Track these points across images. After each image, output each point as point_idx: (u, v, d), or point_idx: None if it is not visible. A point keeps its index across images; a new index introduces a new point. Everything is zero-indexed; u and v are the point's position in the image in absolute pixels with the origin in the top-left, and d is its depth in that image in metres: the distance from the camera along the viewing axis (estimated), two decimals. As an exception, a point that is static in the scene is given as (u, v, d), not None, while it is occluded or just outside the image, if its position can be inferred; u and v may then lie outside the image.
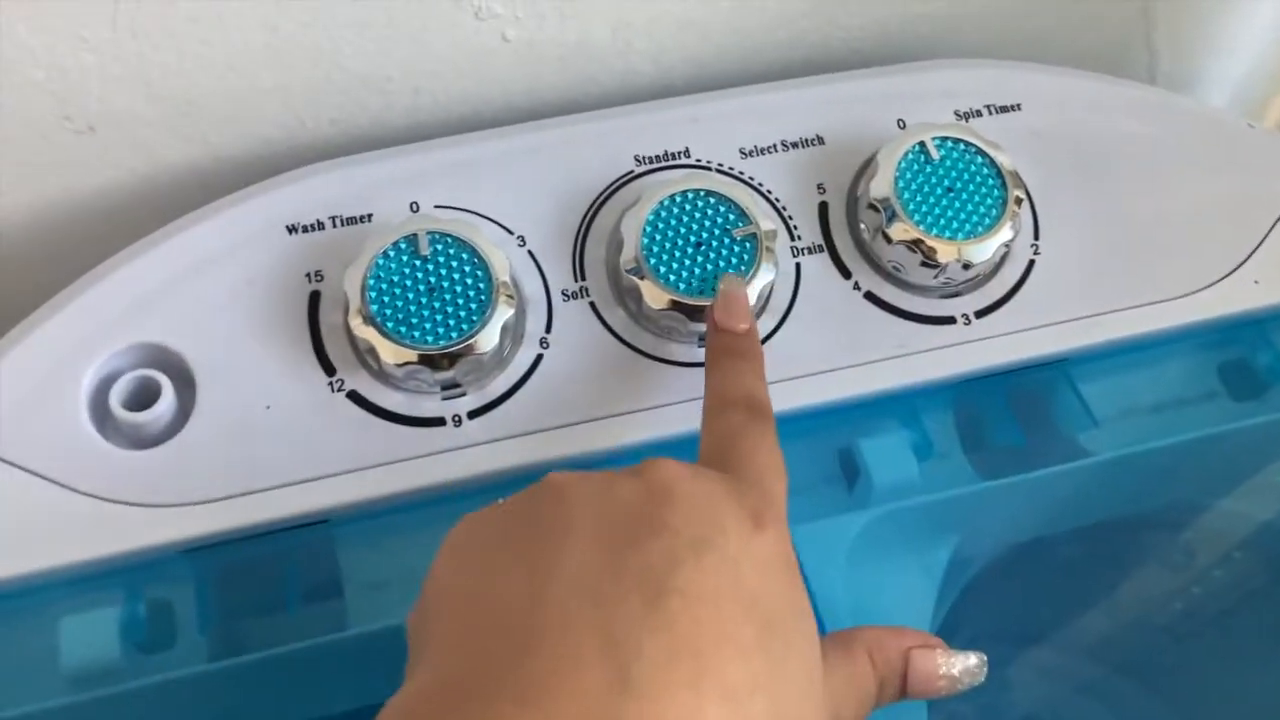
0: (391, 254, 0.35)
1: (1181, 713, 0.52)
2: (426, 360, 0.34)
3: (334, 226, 0.37)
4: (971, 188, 0.38)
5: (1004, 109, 0.42)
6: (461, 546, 0.26)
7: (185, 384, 0.35)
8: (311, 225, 0.37)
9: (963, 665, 0.30)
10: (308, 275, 0.37)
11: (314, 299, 0.36)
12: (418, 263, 0.35)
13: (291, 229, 0.37)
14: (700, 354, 0.37)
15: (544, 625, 0.22)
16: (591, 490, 0.26)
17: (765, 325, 0.38)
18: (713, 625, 0.23)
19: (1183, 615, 0.53)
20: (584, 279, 0.38)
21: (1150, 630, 0.53)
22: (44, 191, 0.40)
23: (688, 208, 0.37)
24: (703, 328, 0.36)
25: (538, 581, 0.24)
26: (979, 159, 0.39)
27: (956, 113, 0.42)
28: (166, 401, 0.34)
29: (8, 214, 0.41)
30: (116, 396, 0.34)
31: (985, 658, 0.31)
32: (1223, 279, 0.41)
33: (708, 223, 0.37)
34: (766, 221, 0.37)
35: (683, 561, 0.24)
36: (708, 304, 0.36)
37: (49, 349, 0.35)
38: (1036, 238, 0.40)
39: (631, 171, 0.39)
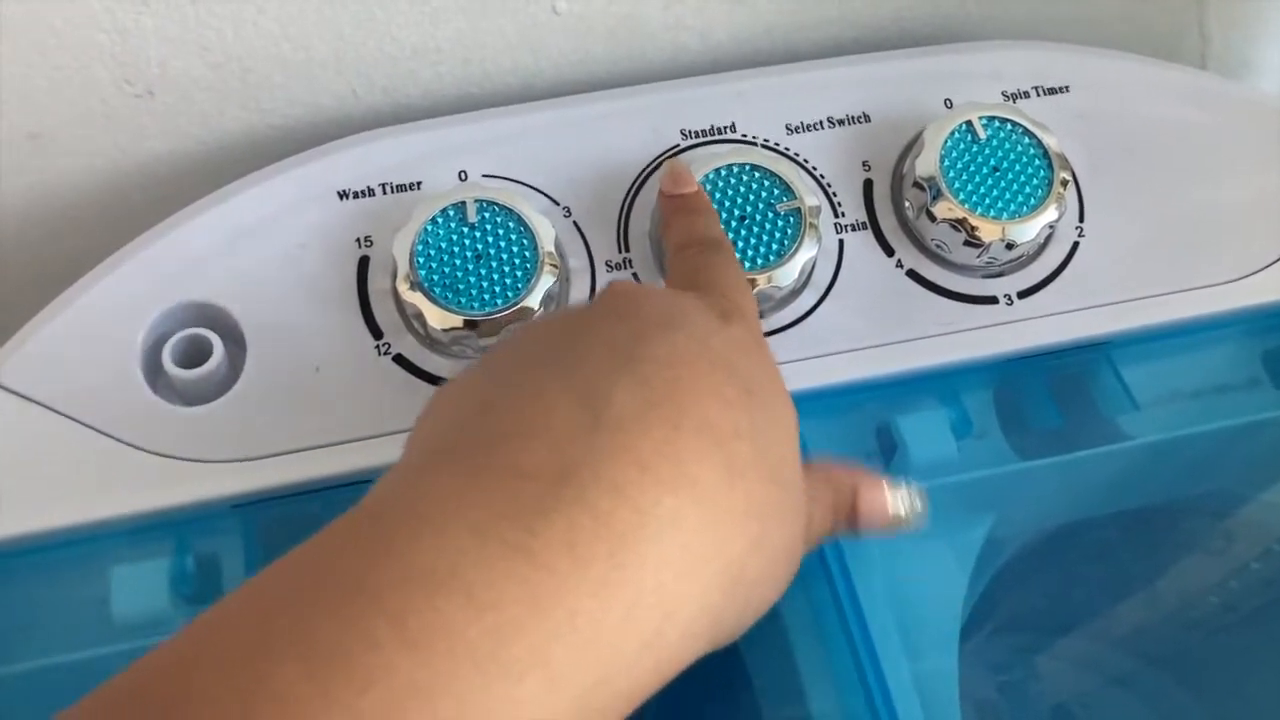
0: (440, 221, 0.36)
1: (1211, 707, 0.52)
2: (472, 326, 0.35)
3: (384, 193, 0.38)
4: (1018, 168, 0.38)
5: (1052, 91, 0.42)
6: (443, 391, 0.26)
7: (236, 343, 0.36)
8: (362, 191, 0.38)
9: (905, 495, 0.30)
10: (358, 240, 0.37)
11: (363, 264, 0.37)
12: (465, 230, 0.36)
13: (343, 195, 0.38)
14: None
15: (512, 399, 0.22)
16: (555, 316, 0.27)
17: (807, 301, 0.38)
18: (690, 382, 0.23)
19: (1219, 608, 0.52)
20: (628, 250, 0.38)
21: (1184, 622, 0.53)
22: (102, 153, 0.41)
23: (733, 181, 0.38)
24: None
25: (506, 378, 0.24)
26: (1026, 139, 0.39)
27: (1004, 93, 0.42)
28: (217, 360, 0.35)
29: (66, 175, 0.42)
30: (169, 354, 0.35)
31: (925, 494, 0.31)
32: (1269, 265, 0.40)
33: (752, 197, 0.37)
34: (811, 197, 0.37)
35: (650, 338, 0.23)
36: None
37: (105, 307, 0.36)
38: (1081, 220, 0.40)
39: (678, 145, 0.40)
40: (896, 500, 0.30)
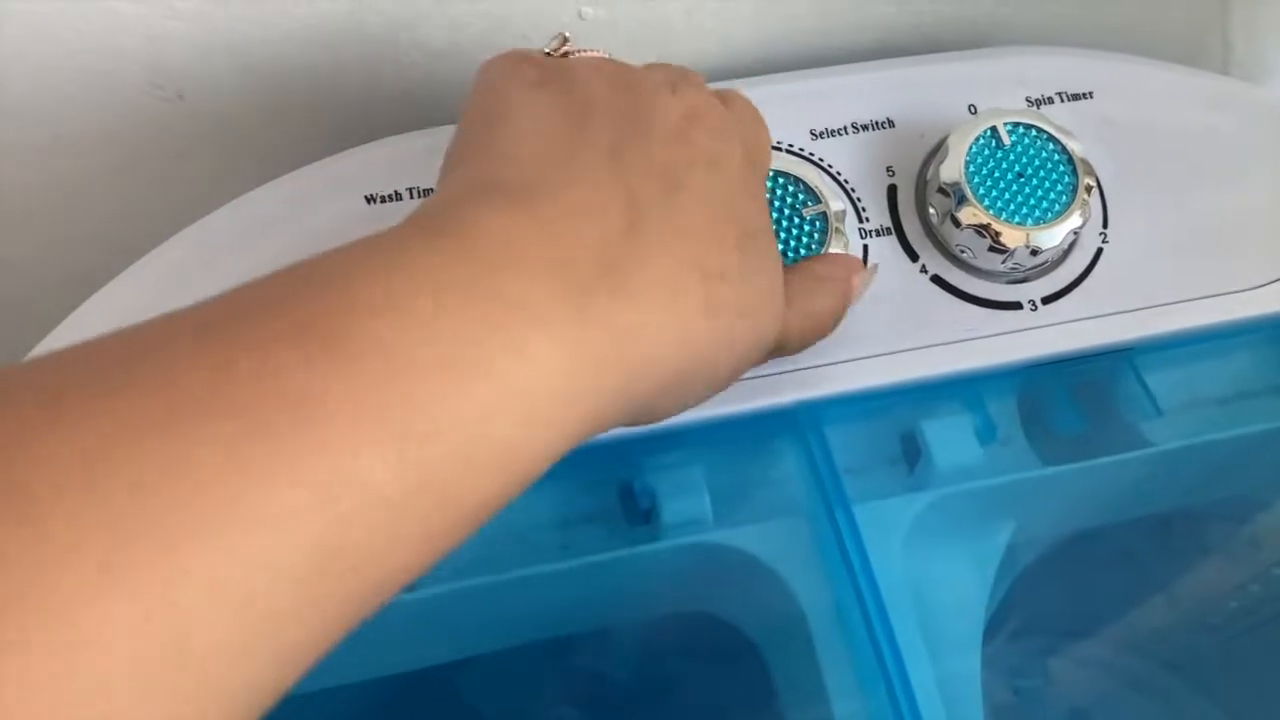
0: (466, 225, 0.36)
1: (1229, 712, 0.52)
2: (498, 329, 0.35)
3: (411, 198, 0.38)
4: (1042, 174, 0.38)
5: (1076, 96, 0.42)
6: (520, 79, 0.30)
7: (264, 346, 0.36)
8: (390, 195, 0.38)
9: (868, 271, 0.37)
10: (384, 244, 0.37)
11: (390, 267, 0.37)
12: (492, 234, 0.36)
13: (370, 199, 0.38)
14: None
15: (582, 172, 0.27)
16: (650, 90, 0.30)
17: (831, 305, 0.38)
18: (706, 219, 0.28)
19: (1238, 614, 0.52)
20: (653, 255, 0.38)
21: (1204, 628, 0.53)
22: (130, 156, 0.41)
23: (758, 187, 0.38)
24: None
25: (580, 141, 0.28)
26: (1050, 145, 0.39)
27: (1028, 99, 0.42)
28: (246, 362, 0.35)
29: (93, 177, 0.42)
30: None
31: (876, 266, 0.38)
32: (1294, 272, 0.40)
33: (777, 201, 0.37)
34: (836, 201, 0.37)
35: (697, 169, 0.29)
36: None
37: (134, 309, 0.36)
38: (1105, 226, 0.40)
39: (702, 150, 0.40)
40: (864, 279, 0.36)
